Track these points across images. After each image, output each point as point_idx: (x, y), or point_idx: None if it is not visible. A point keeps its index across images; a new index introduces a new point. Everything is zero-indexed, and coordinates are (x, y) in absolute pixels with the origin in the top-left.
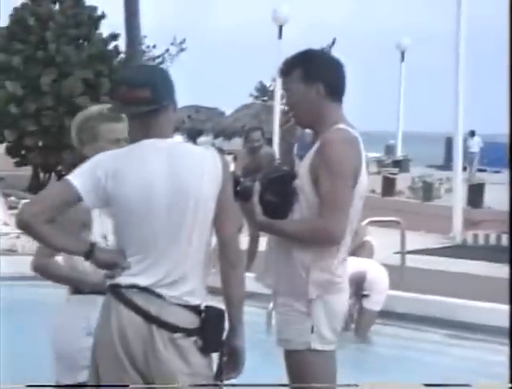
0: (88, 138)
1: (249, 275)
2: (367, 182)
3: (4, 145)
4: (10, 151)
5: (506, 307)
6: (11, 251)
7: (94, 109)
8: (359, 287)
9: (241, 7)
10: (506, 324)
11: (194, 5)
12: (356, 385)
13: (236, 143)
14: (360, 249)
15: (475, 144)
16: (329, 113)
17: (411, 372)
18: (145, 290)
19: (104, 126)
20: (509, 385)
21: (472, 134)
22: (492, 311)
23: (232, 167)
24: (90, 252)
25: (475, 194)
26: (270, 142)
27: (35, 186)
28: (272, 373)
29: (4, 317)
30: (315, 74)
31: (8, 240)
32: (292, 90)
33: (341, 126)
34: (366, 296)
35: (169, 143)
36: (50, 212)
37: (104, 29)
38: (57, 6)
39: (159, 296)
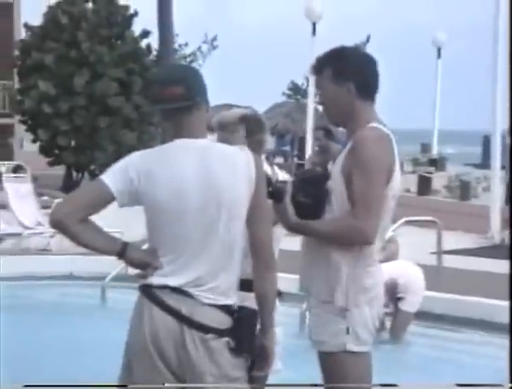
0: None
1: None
2: (400, 181)
3: (37, 144)
4: (43, 151)
5: None
6: (45, 251)
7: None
8: (393, 292)
9: (273, 4)
10: None
11: (225, 2)
12: (394, 385)
13: (270, 142)
14: (391, 246)
15: None
16: (361, 111)
17: (447, 373)
18: (177, 290)
19: None
20: (510, 385)
21: None
22: None
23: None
24: (122, 251)
25: None
26: (302, 140)
27: (68, 186)
28: (305, 373)
29: (35, 316)
30: (346, 73)
31: (42, 239)
32: (324, 89)
33: (374, 124)
34: (401, 298)
35: (202, 143)
36: (83, 211)
37: (137, 27)
38: (90, 5)
39: (190, 296)
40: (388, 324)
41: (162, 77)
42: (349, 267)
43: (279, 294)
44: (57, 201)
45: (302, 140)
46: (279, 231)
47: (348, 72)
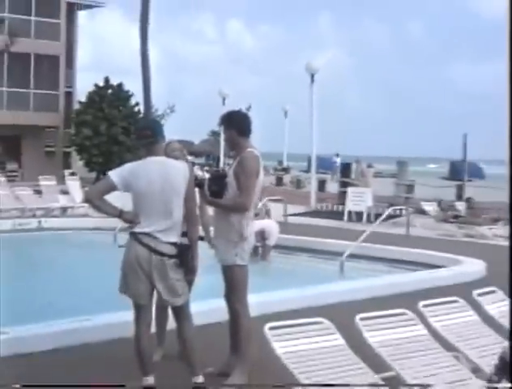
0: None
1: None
2: (263, 179)
3: (82, 161)
4: (85, 164)
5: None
6: (86, 215)
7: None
8: (262, 235)
9: (201, 87)
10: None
11: (172, 83)
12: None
13: (201, 159)
14: (258, 212)
15: (338, 161)
16: (242, 143)
17: (290, 275)
18: (148, 234)
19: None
20: (510, 385)
21: (337, 155)
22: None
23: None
24: (120, 214)
25: (322, 184)
26: (218, 159)
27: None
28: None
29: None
30: (231, 125)
31: (84, 209)
32: (224, 133)
33: (250, 149)
34: (267, 238)
35: (161, 159)
36: (100, 193)
37: (133, 99)
38: (109, 91)
39: (155, 237)
40: (259, 251)
41: (140, 126)
42: (238, 222)
43: (201, 238)
44: (86, 188)
45: (218, 158)
46: None
47: (232, 124)
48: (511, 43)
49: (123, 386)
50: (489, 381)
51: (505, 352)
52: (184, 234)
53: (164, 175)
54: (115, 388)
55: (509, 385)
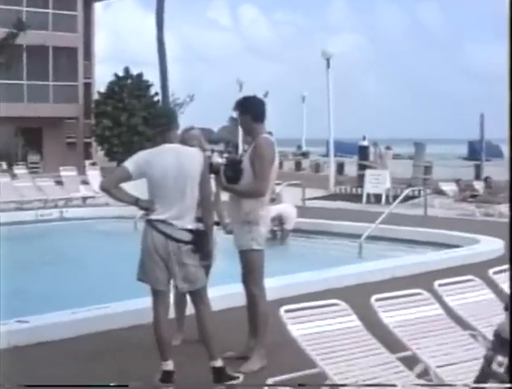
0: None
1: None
2: (278, 163)
3: (102, 152)
4: (105, 154)
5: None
6: (106, 204)
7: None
8: (280, 220)
9: (218, 76)
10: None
11: (189, 72)
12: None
13: (220, 146)
14: (275, 197)
15: (366, 144)
16: (257, 128)
17: (309, 259)
18: (164, 221)
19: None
20: (509, 385)
21: (364, 138)
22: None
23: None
24: (136, 202)
25: (341, 168)
26: (236, 145)
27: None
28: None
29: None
30: (246, 110)
31: (104, 198)
32: (239, 118)
33: (264, 135)
34: (284, 223)
35: (175, 146)
36: (116, 182)
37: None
38: (129, 81)
39: (171, 224)
40: (278, 235)
41: (155, 114)
42: (252, 207)
43: (217, 223)
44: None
45: (236, 145)
46: None
47: (247, 110)
48: (511, 42)
49: (126, 386)
50: (485, 358)
51: (501, 329)
52: (199, 220)
53: (178, 162)
54: (117, 388)
55: (509, 385)
